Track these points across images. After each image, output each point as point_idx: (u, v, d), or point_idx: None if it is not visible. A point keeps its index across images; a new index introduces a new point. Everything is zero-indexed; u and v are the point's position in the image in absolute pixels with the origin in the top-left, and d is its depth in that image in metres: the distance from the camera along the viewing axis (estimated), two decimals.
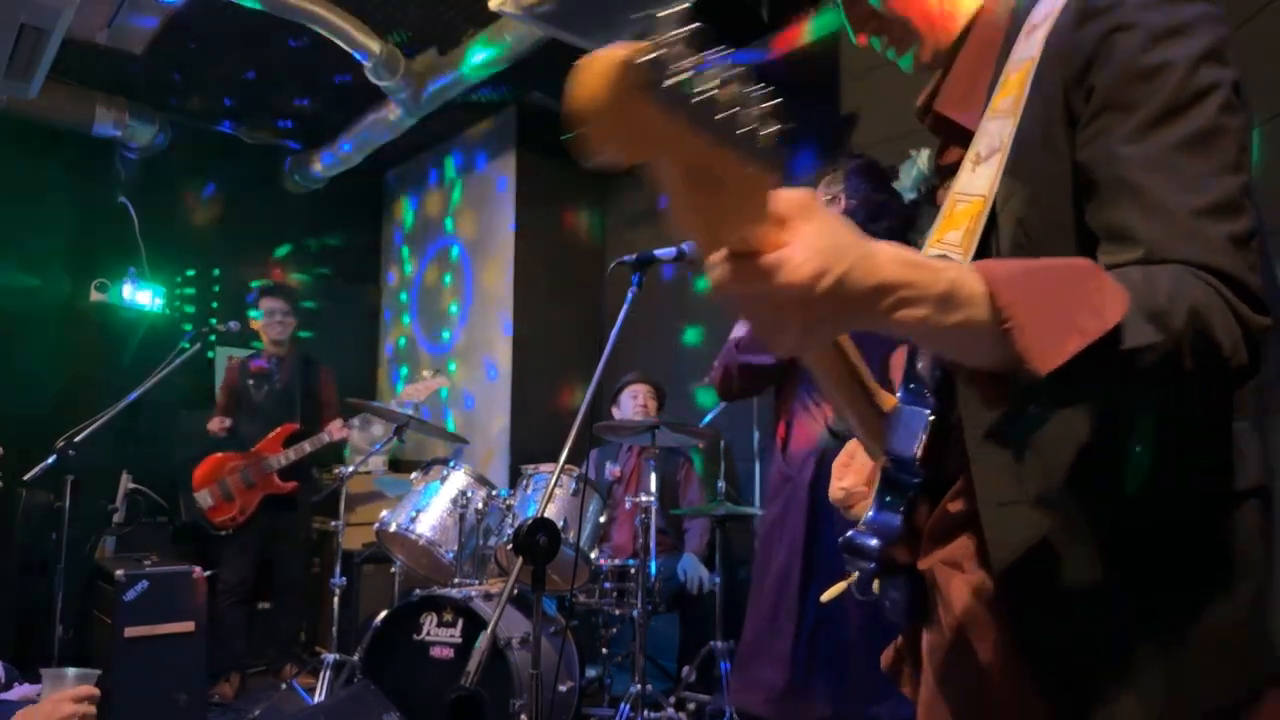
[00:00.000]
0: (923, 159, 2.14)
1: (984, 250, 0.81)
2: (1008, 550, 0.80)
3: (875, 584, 1.05)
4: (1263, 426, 0.75)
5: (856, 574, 1.03)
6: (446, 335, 5.18)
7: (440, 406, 5.12)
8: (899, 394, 0.89)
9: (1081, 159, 0.76)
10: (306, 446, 3.85)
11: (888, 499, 0.89)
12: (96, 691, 1.48)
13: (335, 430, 3.86)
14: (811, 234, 0.56)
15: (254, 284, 4.21)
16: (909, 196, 2.28)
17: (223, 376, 4.18)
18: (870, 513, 0.90)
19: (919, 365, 0.87)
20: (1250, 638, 0.73)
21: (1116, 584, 0.75)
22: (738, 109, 0.49)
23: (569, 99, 0.48)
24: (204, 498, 3.78)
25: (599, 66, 0.47)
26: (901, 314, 0.60)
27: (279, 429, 3.94)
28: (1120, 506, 0.75)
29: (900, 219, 2.21)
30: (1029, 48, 0.82)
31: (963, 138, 0.88)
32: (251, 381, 4.05)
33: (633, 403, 3.81)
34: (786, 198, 0.56)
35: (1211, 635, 0.73)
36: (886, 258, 0.60)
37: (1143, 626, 0.74)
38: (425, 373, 3.81)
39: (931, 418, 0.84)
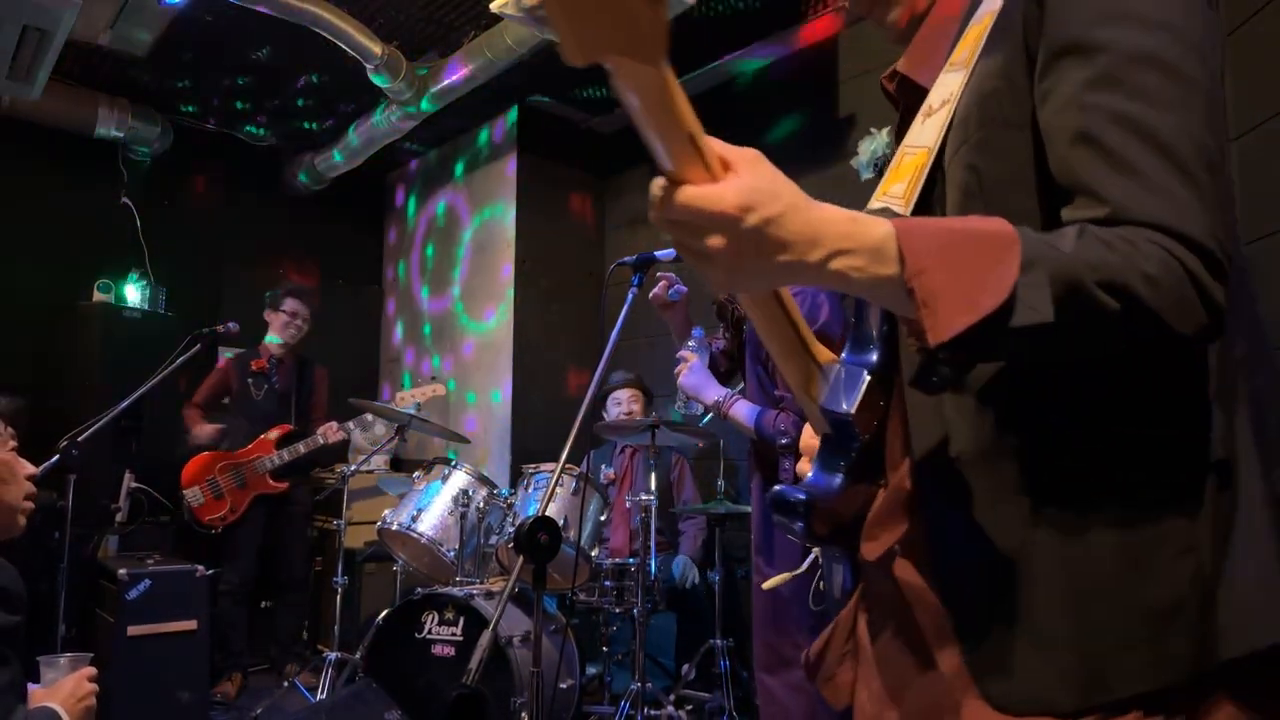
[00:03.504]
0: (881, 136, 2.04)
1: (925, 200, 0.78)
2: (939, 518, 0.77)
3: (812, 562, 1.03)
4: (1231, 409, 0.69)
5: (803, 567, 1.02)
6: (447, 335, 5.20)
7: (445, 407, 5.14)
8: (843, 354, 0.85)
9: (1042, 104, 0.70)
10: (301, 448, 3.83)
11: (828, 461, 0.85)
12: (95, 671, 1.57)
13: (331, 433, 3.82)
14: (747, 177, 0.59)
15: (274, 289, 4.14)
16: (866, 175, 2.15)
17: (214, 374, 4.14)
18: (810, 474, 0.86)
19: (867, 322, 0.84)
20: (1186, 623, 0.65)
21: (1042, 550, 0.70)
22: None
23: None
24: (194, 495, 3.75)
25: None
26: (837, 263, 0.62)
27: (273, 429, 3.93)
28: (1054, 466, 0.71)
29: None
30: (990, 4, 0.77)
31: (921, 99, 0.83)
32: (251, 380, 4.02)
33: (617, 409, 3.81)
34: (736, 148, 0.60)
35: (1137, 611, 0.66)
36: (823, 212, 0.62)
37: (1065, 598, 0.68)
38: (424, 379, 3.83)
39: (868, 376, 0.80)
